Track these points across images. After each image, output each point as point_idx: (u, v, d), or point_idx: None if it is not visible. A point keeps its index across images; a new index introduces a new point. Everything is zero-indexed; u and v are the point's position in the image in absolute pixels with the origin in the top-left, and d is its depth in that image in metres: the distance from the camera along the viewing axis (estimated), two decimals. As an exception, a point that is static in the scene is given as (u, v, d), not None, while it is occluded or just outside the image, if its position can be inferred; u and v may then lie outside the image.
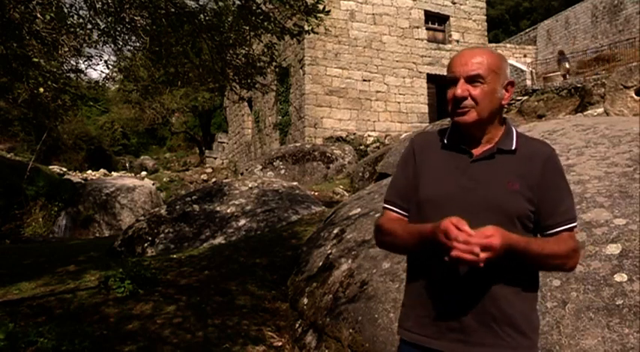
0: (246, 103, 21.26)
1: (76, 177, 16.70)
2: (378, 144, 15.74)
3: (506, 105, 1.58)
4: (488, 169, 1.51)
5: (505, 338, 1.44)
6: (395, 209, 1.64)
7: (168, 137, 36.79)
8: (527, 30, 28.91)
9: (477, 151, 1.55)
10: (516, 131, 1.59)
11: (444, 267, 1.43)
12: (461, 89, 1.50)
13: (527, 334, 1.47)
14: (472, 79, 1.49)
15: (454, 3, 19.15)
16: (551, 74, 20.25)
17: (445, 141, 1.60)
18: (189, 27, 4.62)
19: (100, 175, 18.33)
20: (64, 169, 18.22)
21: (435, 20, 19.01)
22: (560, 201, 1.51)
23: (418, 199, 1.57)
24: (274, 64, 5.30)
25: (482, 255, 1.30)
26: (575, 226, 1.52)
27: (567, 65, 20.41)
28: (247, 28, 4.75)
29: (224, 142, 26.37)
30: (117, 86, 14.93)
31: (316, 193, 10.17)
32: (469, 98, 1.50)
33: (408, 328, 1.57)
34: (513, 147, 1.53)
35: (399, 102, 17.56)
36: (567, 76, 19.60)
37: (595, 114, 10.31)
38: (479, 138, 1.55)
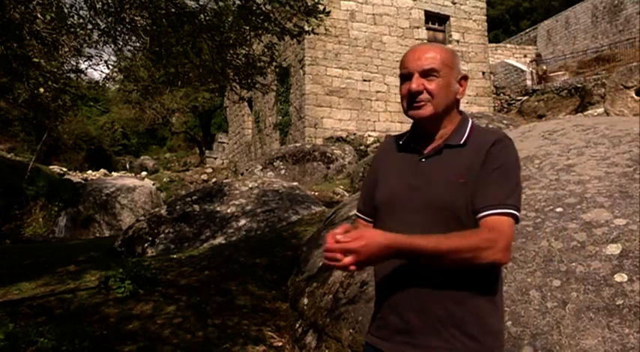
0: (246, 103, 21.26)
1: (76, 177, 16.70)
2: (378, 144, 15.73)
3: (460, 99, 1.56)
4: (436, 166, 1.49)
5: (451, 340, 1.40)
6: (362, 216, 1.69)
7: (168, 137, 36.80)
8: (527, 30, 28.94)
9: (428, 149, 1.53)
10: (472, 125, 1.54)
11: (392, 270, 1.46)
12: (416, 83, 1.48)
13: (477, 337, 1.40)
14: (426, 73, 1.48)
15: (454, 3, 19.15)
16: (552, 74, 20.26)
17: (400, 143, 1.61)
18: (190, 27, 4.63)
19: (100, 175, 18.33)
20: (64, 169, 18.21)
21: (436, 20, 19.00)
22: (489, 186, 1.40)
23: (374, 204, 1.60)
24: (274, 64, 5.31)
25: (346, 260, 1.29)
26: (505, 212, 1.38)
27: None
28: (247, 28, 4.75)
29: (224, 142, 26.37)
30: (117, 86, 14.93)
31: (316, 193, 10.17)
32: (425, 92, 1.48)
33: (369, 329, 1.59)
34: (462, 141, 1.49)
35: (399, 103, 17.49)
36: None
37: (595, 114, 10.32)
38: (433, 134, 1.54)
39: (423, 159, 1.52)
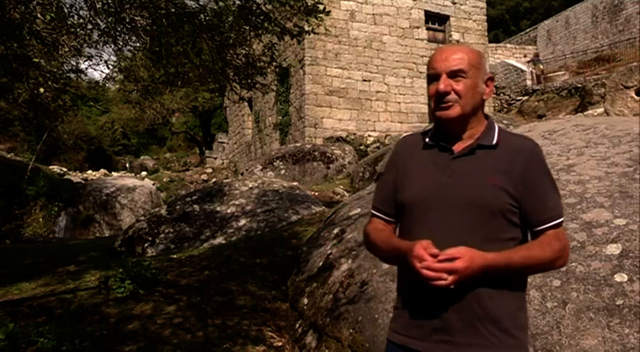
0: (246, 103, 21.27)
1: (76, 177, 16.70)
2: (378, 144, 15.74)
3: (486, 100, 1.58)
4: (469, 165, 1.50)
5: (489, 337, 1.42)
6: (381, 215, 1.67)
7: (168, 137, 36.81)
8: (527, 30, 28.94)
9: (457, 148, 1.54)
10: (498, 127, 1.58)
11: None
12: (444, 84, 1.50)
13: (511, 333, 1.44)
14: (454, 74, 1.50)
15: (454, 3, 19.15)
16: (552, 74, 20.26)
17: (427, 141, 1.60)
18: (190, 27, 4.62)
19: (100, 175, 18.33)
20: (64, 169, 18.22)
21: (435, 20, 19.01)
22: (545, 198, 1.49)
23: (401, 202, 1.58)
24: (274, 64, 5.30)
25: (450, 279, 1.35)
26: (562, 222, 1.50)
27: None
28: (247, 28, 4.75)
29: (224, 142, 26.37)
30: (117, 86, 14.93)
31: (316, 193, 10.17)
32: (452, 93, 1.50)
33: (395, 329, 1.57)
34: (494, 142, 1.52)
35: (399, 103, 17.56)
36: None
37: (595, 114, 10.31)
38: (460, 134, 1.55)
39: (455, 158, 1.53)
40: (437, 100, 1.53)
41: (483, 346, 1.42)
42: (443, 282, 1.35)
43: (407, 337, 1.51)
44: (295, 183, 8.97)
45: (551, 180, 1.53)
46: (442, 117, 1.53)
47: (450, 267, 1.35)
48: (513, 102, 19.66)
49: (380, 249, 1.62)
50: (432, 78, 1.54)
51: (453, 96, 1.50)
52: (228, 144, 25.58)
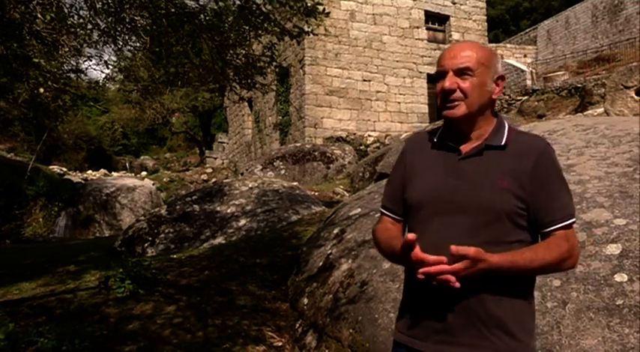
0: (246, 103, 21.27)
1: (76, 177, 16.70)
2: (378, 144, 15.74)
3: (496, 99, 1.55)
4: (477, 166, 1.47)
5: (491, 339, 1.40)
6: (388, 214, 1.65)
7: (168, 137, 36.82)
8: (527, 30, 28.92)
9: (465, 148, 1.51)
10: (509, 126, 1.54)
11: None
12: (449, 82, 1.47)
13: (516, 336, 1.41)
14: (461, 72, 1.47)
15: (454, 3, 19.15)
16: (552, 74, 20.25)
17: (435, 141, 1.58)
18: (190, 27, 4.63)
19: (100, 175, 18.34)
20: (64, 169, 18.23)
21: (435, 20, 19.01)
22: (555, 198, 1.45)
23: (407, 202, 1.56)
24: (274, 64, 5.30)
25: (457, 284, 1.34)
26: (572, 222, 1.46)
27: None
28: (247, 28, 4.75)
29: (224, 142, 26.38)
30: (117, 86, 14.94)
31: (316, 193, 10.17)
32: (458, 91, 1.47)
33: (399, 329, 1.56)
34: (502, 143, 1.48)
35: (399, 103, 17.56)
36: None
37: (595, 114, 10.31)
38: (468, 134, 1.52)
39: (463, 159, 1.50)
40: (442, 98, 1.50)
41: (486, 348, 1.40)
42: (452, 283, 1.33)
43: (409, 337, 1.51)
44: (295, 183, 8.97)
45: (562, 180, 1.49)
46: (448, 117, 1.51)
47: (450, 269, 1.32)
48: (513, 102, 19.63)
49: (382, 248, 1.60)
50: (440, 75, 1.51)
51: (458, 94, 1.47)
52: (228, 144, 25.58)
